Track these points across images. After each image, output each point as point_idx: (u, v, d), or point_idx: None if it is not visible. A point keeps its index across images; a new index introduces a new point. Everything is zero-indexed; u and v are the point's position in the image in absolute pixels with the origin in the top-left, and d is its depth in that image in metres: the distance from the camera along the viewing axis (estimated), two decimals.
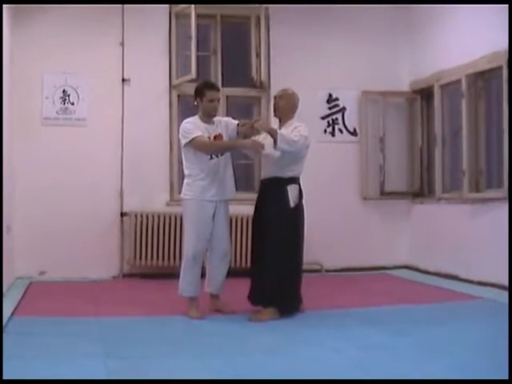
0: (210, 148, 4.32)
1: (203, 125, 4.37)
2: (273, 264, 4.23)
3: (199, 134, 4.28)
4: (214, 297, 4.57)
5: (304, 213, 4.40)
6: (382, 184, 6.79)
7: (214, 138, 4.38)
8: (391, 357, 3.31)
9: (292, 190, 4.27)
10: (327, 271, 6.57)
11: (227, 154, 4.43)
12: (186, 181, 4.40)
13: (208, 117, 4.41)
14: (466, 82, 5.92)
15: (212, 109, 4.37)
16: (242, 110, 6.92)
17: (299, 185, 4.36)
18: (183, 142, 4.32)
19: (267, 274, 4.21)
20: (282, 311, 4.25)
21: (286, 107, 4.42)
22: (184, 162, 4.42)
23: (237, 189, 4.62)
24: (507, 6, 5.04)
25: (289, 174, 4.30)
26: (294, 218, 4.30)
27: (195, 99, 4.40)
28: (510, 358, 2.99)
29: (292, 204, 4.25)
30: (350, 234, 6.72)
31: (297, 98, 4.48)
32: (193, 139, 4.28)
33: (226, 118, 4.70)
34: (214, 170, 4.35)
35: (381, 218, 6.85)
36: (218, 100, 4.40)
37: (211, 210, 4.34)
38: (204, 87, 4.39)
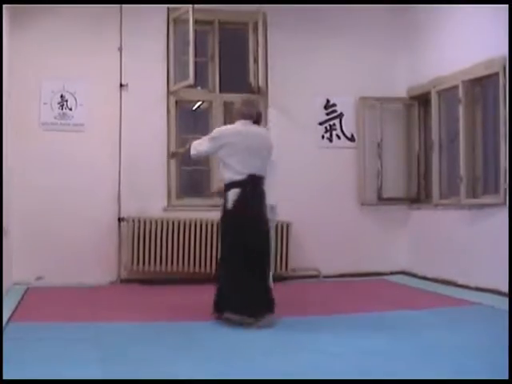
0: None
1: None
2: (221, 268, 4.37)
3: None
4: None
5: (249, 216, 4.28)
6: (380, 190, 6.80)
7: None
8: (390, 362, 3.30)
9: (232, 194, 4.28)
10: (325, 277, 6.56)
11: None
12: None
13: None
14: (463, 88, 5.94)
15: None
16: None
17: (244, 187, 4.26)
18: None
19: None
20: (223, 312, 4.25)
21: (234, 115, 4.56)
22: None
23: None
24: (507, 6, 5.04)
25: (226, 179, 4.35)
26: (232, 220, 4.30)
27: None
28: (509, 359, 3.00)
29: (229, 206, 4.28)
30: (348, 240, 6.71)
31: (241, 104, 4.50)
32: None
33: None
34: None
35: (378, 223, 6.85)
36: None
37: None
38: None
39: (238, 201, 4.26)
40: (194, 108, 7.00)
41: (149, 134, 6.35)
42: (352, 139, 6.84)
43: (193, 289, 5.89)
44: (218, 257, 4.52)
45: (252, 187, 4.30)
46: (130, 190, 6.29)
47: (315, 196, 6.63)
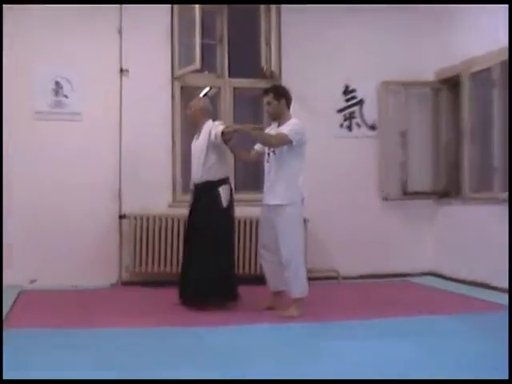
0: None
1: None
2: (214, 261, 4.88)
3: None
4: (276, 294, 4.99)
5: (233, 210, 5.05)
6: (404, 183, 6.76)
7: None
8: (413, 371, 3.29)
9: (224, 191, 4.91)
10: (344, 278, 6.55)
11: (279, 157, 4.78)
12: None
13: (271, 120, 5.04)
14: (498, 69, 5.86)
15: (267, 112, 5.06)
16: (251, 102, 6.93)
17: (229, 184, 5.02)
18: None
19: (207, 271, 4.88)
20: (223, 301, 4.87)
21: (196, 114, 5.20)
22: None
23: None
24: (507, 6, 5.24)
25: (218, 176, 4.94)
26: (228, 216, 4.98)
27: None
28: (509, 358, 3.12)
29: (224, 203, 4.89)
30: (369, 238, 6.70)
31: (205, 102, 5.24)
32: None
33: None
34: (267, 172, 4.90)
35: (403, 220, 6.84)
36: (269, 103, 4.88)
37: (266, 213, 4.85)
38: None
39: (230, 196, 4.97)
40: (201, 95, 6.87)
41: (152, 123, 6.35)
42: (373, 128, 6.83)
43: None
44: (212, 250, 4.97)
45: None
46: (132, 185, 6.29)
47: (333, 191, 6.62)
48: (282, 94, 4.88)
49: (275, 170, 4.78)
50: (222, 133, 4.87)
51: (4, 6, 5.52)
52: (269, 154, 4.84)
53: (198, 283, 4.88)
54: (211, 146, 4.97)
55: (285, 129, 4.77)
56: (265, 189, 4.89)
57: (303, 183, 4.79)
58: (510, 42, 5.35)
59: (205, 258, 4.91)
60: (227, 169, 5.26)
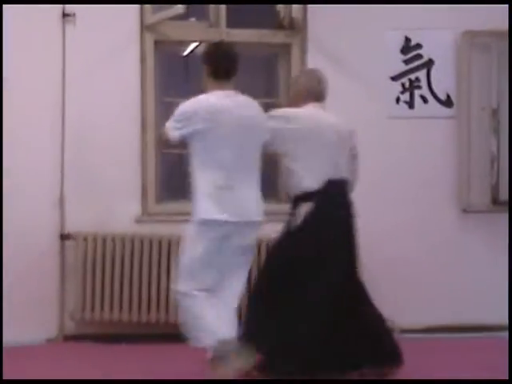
0: None
1: None
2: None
3: None
4: None
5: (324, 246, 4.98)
6: (495, 188, 6.74)
7: None
8: None
9: (301, 211, 5.01)
10: (404, 331, 6.35)
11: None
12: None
13: None
14: None
15: None
16: (260, 65, 7.09)
17: (319, 201, 4.97)
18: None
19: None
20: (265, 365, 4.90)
21: (293, 98, 5.34)
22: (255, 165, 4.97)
23: None
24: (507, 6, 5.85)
25: (297, 188, 5.07)
26: (292, 243, 5.04)
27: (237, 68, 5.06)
28: (509, 358, 3.89)
29: (294, 227, 5.02)
30: (441, 271, 6.69)
31: (309, 80, 5.32)
32: None
33: None
34: None
35: (492, 242, 6.80)
36: None
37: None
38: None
39: (311, 220, 4.96)
40: (185, 53, 6.89)
41: (111, 96, 6.38)
42: (448, 103, 6.80)
43: (182, 350, 5.66)
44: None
45: (332, 198, 5.01)
46: (81, 189, 6.33)
47: (386, 200, 6.61)
48: (202, 60, 5.06)
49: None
50: None
51: None
52: None
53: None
54: None
55: None
56: None
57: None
58: (509, 42, 6.04)
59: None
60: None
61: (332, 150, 5.05)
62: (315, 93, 5.21)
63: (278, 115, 5.11)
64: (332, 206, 4.99)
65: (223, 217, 4.66)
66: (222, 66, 4.90)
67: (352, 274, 5.11)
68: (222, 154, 4.72)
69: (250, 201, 4.79)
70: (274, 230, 6.16)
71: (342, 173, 5.05)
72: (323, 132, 5.05)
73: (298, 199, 5.03)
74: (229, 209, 4.67)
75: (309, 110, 5.13)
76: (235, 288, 4.89)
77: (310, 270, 4.92)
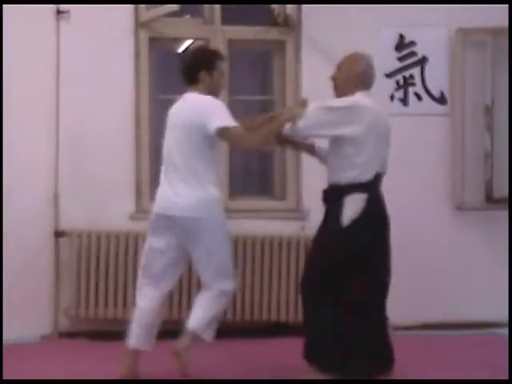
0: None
1: None
2: (317, 308, 4.88)
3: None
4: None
5: (381, 240, 4.92)
6: (489, 185, 6.73)
7: None
8: None
9: (351, 203, 4.77)
10: (396, 329, 6.25)
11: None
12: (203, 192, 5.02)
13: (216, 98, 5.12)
14: None
15: (221, 88, 5.28)
16: (255, 62, 6.85)
17: (371, 193, 4.83)
18: (217, 124, 4.88)
19: (313, 322, 4.92)
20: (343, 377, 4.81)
21: (346, 82, 4.98)
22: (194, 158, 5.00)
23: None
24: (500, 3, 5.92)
25: (346, 177, 4.82)
26: (348, 244, 4.79)
27: (199, 71, 5.08)
28: (509, 358, 3.96)
29: (345, 222, 4.75)
30: (435, 268, 6.70)
31: (367, 65, 5.05)
32: (233, 128, 4.91)
33: None
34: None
35: (486, 240, 6.81)
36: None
37: None
38: (215, 57, 5.15)
39: (365, 214, 4.77)
40: (179, 50, 6.99)
41: (105, 93, 6.39)
42: (442, 101, 6.82)
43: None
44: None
45: (380, 192, 4.93)
46: (75, 187, 6.33)
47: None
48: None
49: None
50: None
51: None
52: None
53: None
54: None
55: None
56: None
57: None
58: (509, 41, 6.08)
59: None
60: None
61: (383, 143, 4.90)
62: (370, 80, 5.04)
63: (330, 107, 4.84)
64: (381, 200, 4.91)
65: None
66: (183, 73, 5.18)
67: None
68: (163, 151, 5.14)
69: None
70: (269, 228, 6.26)
71: (386, 167, 4.95)
72: (380, 123, 4.87)
73: (345, 191, 4.80)
74: None
75: (369, 100, 4.92)
76: None
77: (371, 264, 4.84)
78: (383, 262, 4.90)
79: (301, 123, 4.81)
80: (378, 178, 4.85)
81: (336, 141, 4.83)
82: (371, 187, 4.81)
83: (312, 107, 4.84)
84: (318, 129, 4.84)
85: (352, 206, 4.75)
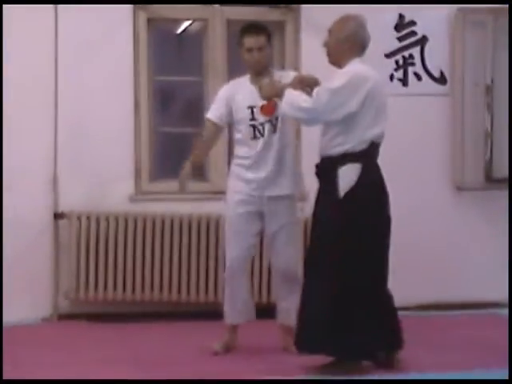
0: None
1: (249, 88, 5.20)
2: (316, 290, 4.75)
3: (212, 114, 5.30)
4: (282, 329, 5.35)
5: (380, 208, 4.80)
6: (489, 164, 6.73)
7: (261, 108, 5.14)
8: None
9: (345, 173, 4.66)
10: (401, 309, 6.33)
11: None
12: None
13: (255, 74, 5.22)
14: None
15: (250, 62, 5.23)
16: None
17: (365, 162, 4.71)
18: None
19: (310, 306, 4.77)
20: (340, 360, 4.74)
21: (337, 46, 4.82)
22: None
23: None
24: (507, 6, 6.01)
25: (339, 148, 4.71)
26: (346, 215, 4.67)
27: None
28: (509, 358, 3.91)
29: (342, 193, 4.66)
30: (435, 249, 6.69)
31: (357, 25, 4.84)
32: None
33: (291, 73, 5.37)
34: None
35: (486, 220, 6.82)
36: (260, 48, 5.17)
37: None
38: (240, 32, 5.26)
39: (360, 183, 4.66)
40: (178, 31, 6.97)
41: (104, 74, 6.37)
42: (442, 80, 6.82)
43: (177, 328, 5.98)
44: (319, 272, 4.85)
45: (376, 161, 4.81)
46: (74, 169, 6.32)
47: None
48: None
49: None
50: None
51: None
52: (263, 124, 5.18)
53: None
54: None
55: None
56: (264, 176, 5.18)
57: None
58: (509, 20, 6.13)
59: None
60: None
61: (381, 113, 4.73)
62: (363, 42, 4.81)
63: (344, 84, 4.63)
64: (376, 169, 4.77)
65: None
66: None
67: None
68: None
69: None
70: None
71: (382, 137, 4.79)
72: (377, 93, 4.71)
73: (339, 161, 4.68)
74: None
75: (361, 68, 4.73)
76: None
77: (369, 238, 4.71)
78: (382, 232, 4.77)
79: (310, 114, 4.68)
80: (373, 148, 4.72)
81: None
82: (366, 156, 4.70)
83: (315, 94, 4.67)
84: (330, 114, 4.63)
85: (346, 177, 4.64)
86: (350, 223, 4.64)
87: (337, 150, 4.67)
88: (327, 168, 4.73)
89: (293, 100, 4.72)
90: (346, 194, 4.62)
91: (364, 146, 4.66)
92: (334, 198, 4.65)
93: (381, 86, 4.82)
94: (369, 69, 4.76)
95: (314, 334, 4.69)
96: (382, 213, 4.76)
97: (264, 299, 6.26)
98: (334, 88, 4.61)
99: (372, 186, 4.70)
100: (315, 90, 4.71)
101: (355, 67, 4.72)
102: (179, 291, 6.25)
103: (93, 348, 5.39)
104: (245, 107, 5.13)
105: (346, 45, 4.74)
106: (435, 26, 6.73)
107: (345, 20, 4.84)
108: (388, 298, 4.86)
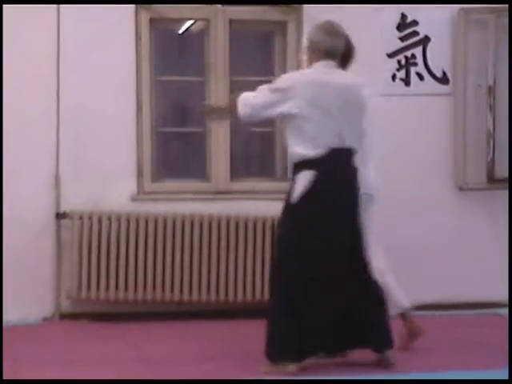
0: None
1: None
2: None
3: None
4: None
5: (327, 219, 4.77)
6: (491, 164, 6.73)
7: None
8: None
9: (301, 179, 4.75)
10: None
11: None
12: None
13: None
14: None
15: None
16: (256, 43, 7.08)
17: (321, 169, 4.72)
18: None
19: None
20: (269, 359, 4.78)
21: (307, 53, 4.97)
22: None
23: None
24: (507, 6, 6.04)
25: (295, 155, 4.81)
26: (288, 224, 4.81)
27: None
28: (509, 359, 3.93)
29: (292, 200, 4.75)
30: (437, 249, 6.69)
31: (320, 32, 4.91)
32: None
33: None
34: None
35: (489, 220, 6.83)
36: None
37: None
38: None
39: (312, 191, 4.69)
40: (180, 31, 7.00)
41: (106, 74, 6.38)
42: (444, 80, 6.83)
43: (179, 328, 5.98)
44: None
45: (335, 168, 4.76)
46: (76, 169, 6.33)
47: (382, 176, 6.39)
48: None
49: None
50: None
51: None
52: None
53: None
54: None
55: None
56: None
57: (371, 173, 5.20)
58: (509, 20, 6.18)
59: None
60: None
61: (335, 117, 4.72)
62: (332, 49, 4.82)
63: (273, 88, 4.79)
64: (333, 176, 4.73)
65: None
66: None
67: (354, 248, 4.85)
68: None
69: None
70: (270, 209, 6.25)
71: (346, 142, 4.74)
72: (325, 98, 4.70)
73: (298, 167, 4.77)
74: None
75: (311, 73, 4.82)
76: None
77: (314, 243, 4.73)
78: (330, 240, 4.72)
79: (249, 108, 4.82)
80: (331, 154, 4.69)
81: (284, 119, 4.86)
82: (321, 163, 4.70)
83: (258, 89, 4.84)
84: (264, 111, 4.80)
85: (301, 183, 4.71)
86: (289, 231, 4.77)
87: (294, 157, 4.78)
88: (292, 172, 4.84)
89: (245, 99, 4.85)
90: (297, 201, 4.69)
91: (320, 152, 4.68)
92: (286, 204, 4.79)
93: (337, 91, 4.75)
94: (323, 74, 4.78)
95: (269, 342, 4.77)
96: (329, 223, 4.73)
97: (264, 299, 6.23)
98: (273, 87, 4.80)
99: (322, 196, 4.72)
100: (258, 88, 4.85)
101: (303, 71, 4.98)
102: (181, 291, 6.26)
103: (94, 347, 5.40)
104: None
105: (314, 53, 4.87)
106: (437, 26, 6.76)
107: (313, 28, 5.01)
108: (342, 303, 4.80)
